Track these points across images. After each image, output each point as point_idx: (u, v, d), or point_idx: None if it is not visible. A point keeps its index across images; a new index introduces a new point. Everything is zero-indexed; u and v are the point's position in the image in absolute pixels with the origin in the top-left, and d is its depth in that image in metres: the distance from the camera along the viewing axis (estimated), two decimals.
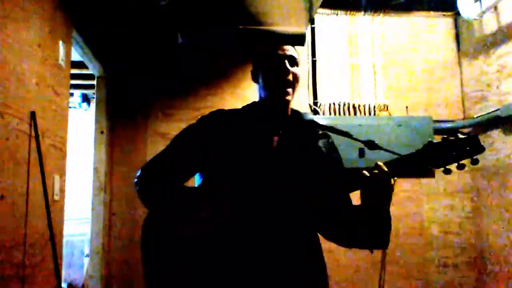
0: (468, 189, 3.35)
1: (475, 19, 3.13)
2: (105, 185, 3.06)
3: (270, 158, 1.23)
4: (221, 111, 1.35)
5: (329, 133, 1.34)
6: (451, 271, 3.26)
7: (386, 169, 1.10)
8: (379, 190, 1.12)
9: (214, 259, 1.13)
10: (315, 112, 3.32)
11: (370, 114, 3.38)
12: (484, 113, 3.15)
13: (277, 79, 1.26)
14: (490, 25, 3.15)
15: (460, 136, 1.10)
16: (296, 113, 1.35)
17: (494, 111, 3.02)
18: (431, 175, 3.34)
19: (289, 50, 1.28)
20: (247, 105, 1.37)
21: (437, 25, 3.57)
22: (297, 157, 1.25)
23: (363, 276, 3.18)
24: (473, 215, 3.32)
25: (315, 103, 3.34)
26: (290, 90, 1.26)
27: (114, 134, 3.19)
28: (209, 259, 1.14)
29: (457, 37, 3.55)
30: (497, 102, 3.04)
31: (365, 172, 1.11)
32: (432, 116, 3.31)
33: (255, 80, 1.34)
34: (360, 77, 3.46)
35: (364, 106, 3.39)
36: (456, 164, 1.10)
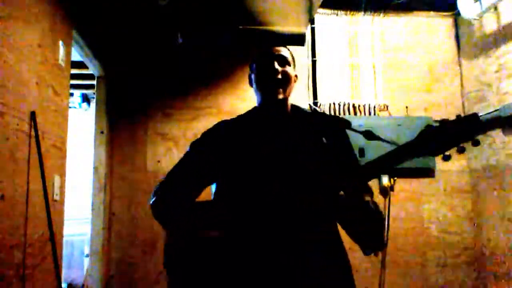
0: (468, 189, 3.35)
1: (475, 19, 3.14)
2: (105, 185, 3.05)
3: (277, 159, 1.23)
4: (223, 122, 1.37)
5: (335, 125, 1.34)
6: (451, 271, 3.26)
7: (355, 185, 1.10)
8: (355, 202, 1.13)
9: (237, 267, 1.14)
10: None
11: (370, 114, 3.38)
12: (484, 113, 3.15)
13: (265, 79, 1.28)
14: (490, 25, 3.15)
15: (459, 115, 1.04)
16: (295, 109, 1.36)
17: (494, 111, 3.02)
18: (431, 175, 3.34)
19: (281, 50, 1.30)
20: (248, 111, 1.38)
21: (437, 25, 3.57)
22: (302, 154, 1.25)
23: (363, 276, 3.18)
24: (473, 215, 3.32)
25: (315, 103, 3.34)
26: (280, 89, 1.27)
27: (114, 134, 3.19)
28: (232, 268, 1.14)
29: (457, 37, 3.55)
30: (497, 102, 3.04)
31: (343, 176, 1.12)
32: (432, 116, 3.31)
33: (251, 84, 1.37)
34: (360, 77, 3.46)
35: (364, 106, 3.39)
36: (456, 148, 1.04)
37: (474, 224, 3.31)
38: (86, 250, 4.17)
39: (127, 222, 3.10)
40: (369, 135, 1.24)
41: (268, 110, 1.32)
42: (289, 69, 1.29)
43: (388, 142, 1.15)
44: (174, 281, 1.22)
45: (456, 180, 3.35)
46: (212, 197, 1.31)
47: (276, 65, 1.27)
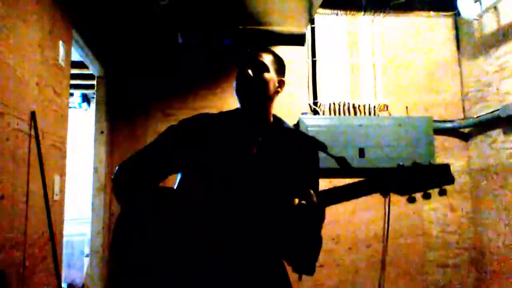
0: (468, 189, 3.35)
1: (475, 19, 3.14)
2: (105, 185, 3.06)
3: (245, 165, 1.23)
4: (204, 115, 1.35)
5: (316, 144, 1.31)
6: (451, 271, 3.26)
7: (315, 199, 1.05)
8: (306, 218, 1.07)
9: (175, 255, 1.13)
10: (315, 112, 3.32)
11: (370, 114, 3.38)
12: (484, 113, 3.15)
13: (238, 86, 1.27)
14: (490, 25, 3.15)
15: (432, 163, 1.04)
16: (276, 121, 1.34)
17: (494, 111, 3.02)
18: None
19: (261, 56, 1.26)
20: (231, 110, 1.37)
21: (437, 25, 3.57)
22: (270, 166, 1.23)
23: (363, 277, 3.18)
24: (473, 215, 3.32)
25: (315, 103, 3.34)
26: (253, 97, 1.25)
27: (114, 134, 3.19)
28: (171, 256, 1.13)
29: (457, 37, 3.55)
30: (497, 102, 3.04)
31: (296, 200, 1.07)
32: (432, 116, 3.31)
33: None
34: (360, 77, 3.46)
35: (364, 106, 3.39)
36: (422, 193, 1.04)
37: (474, 224, 3.31)
38: (86, 250, 4.17)
39: None
40: (342, 162, 1.22)
41: (247, 116, 1.30)
42: (266, 75, 1.25)
43: (357, 172, 1.12)
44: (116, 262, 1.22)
45: (456, 180, 3.35)
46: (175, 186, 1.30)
47: (250, 72, 1.24)
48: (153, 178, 1.29)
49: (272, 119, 1.32)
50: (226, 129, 1.30)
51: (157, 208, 1.19)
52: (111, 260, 1.24)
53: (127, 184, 1.27)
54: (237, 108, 1.35)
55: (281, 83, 1.31)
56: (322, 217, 1.14)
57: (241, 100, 1.28)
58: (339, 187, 1.08)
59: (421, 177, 1.03)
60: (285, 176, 1.23)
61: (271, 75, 1.26)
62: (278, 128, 1.32)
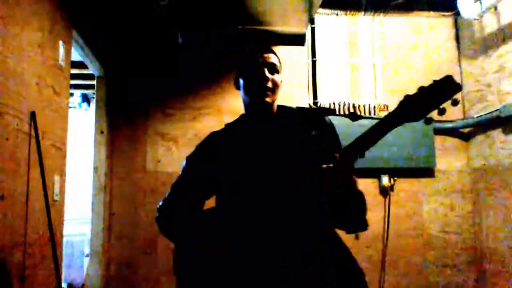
0: (468, 189, 3.35)
1: (475, 19, 3.13)
2: (105, 185, 3.06)
3: (268, 158, 1.26)
4: (214, 133, 1.41)
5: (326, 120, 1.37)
6: (451, 271, 3.26)
7: (338, 157, 1.10)
8: (338, 179, 1.12)
9: (239, 268, 1.18)
10: None
11: (370, 114, 3.38)
12: (484, 113, 3.15)
13: (256, 86, 1.30)
14: (490, 25, 3.15)
15: (436, 80, 1.09)
16: (280, 109, 1.39)
17: (494, 111, 3.02)
18: (431, 175, 3.34)
19: (271, 57, 1.32)
20: (236, 119, 1.42)
21: (437, 25, 3.57)
22: (292, 149, 1.28)
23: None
24: (473, 215, 3.32)
25: (315, 103, 3.34)
26: (269, 97, 1.30)
27: (114, 134, 3.19)
28: (235, 269, 1.19)
29: (457, 37, 3.55)
30: (497, 102, 3.04)
31: (323, 166, 1.13)
32: (432, 116, 3.30)
33: (237, 86, 1.40)
34: (360, 77, 3.46)
35: (364, 106, 3.39)
36: (436, 110, 1.11)
37: (474, 224, 3.31)
38: (86, 250, 4.17)
39: (127, 222, 3.10)
40: (353, 116, 1.28)
41: (255, 116, 1.35)
42: (277, 76, 1.32)
43: (372, 118, 1.17)
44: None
45: (456, 180, 3.35)
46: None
47: (267, 73, 1.29)
48: (194, 208, 1.35)
49: (276, 109, 1.38)
50: (239, 137, 1.34)
51: (214, 232, 1.24)
52: None
53: (173, 222, 1.33)
54: (241, 115, 1.41)
55: (281, 82, 1.38)
56: (352, 171, 1.16)
57: (254, 98, 1.32)
58: (360, 136, 1.13)
59: (431, 95, 1.10)
60: (310, 146, 1.28)
61: (281, 76, 1.34)
62: (285, 114, 1.37)
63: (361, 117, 1.27)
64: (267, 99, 1.29)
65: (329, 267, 1.19)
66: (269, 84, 1.29)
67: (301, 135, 1.31)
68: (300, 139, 1.30)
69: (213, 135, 1.40)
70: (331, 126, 1.37)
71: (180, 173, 1.39)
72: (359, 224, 1.22)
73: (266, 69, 1.29)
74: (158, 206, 1.36)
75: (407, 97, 1.10)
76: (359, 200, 1.20)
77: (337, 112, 3.36)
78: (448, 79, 1.08)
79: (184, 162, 1.40)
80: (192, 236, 1.26)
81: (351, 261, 1.27)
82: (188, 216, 1.32)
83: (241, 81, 1.34)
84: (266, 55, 1.31)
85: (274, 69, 1.31)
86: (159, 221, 1.34)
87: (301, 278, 1.15)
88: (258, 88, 1.29)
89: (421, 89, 1.09)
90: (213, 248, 1.21)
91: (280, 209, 1.17)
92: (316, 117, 1.35)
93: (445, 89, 1.09)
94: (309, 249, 1.19)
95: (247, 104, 1.36)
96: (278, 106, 1.39)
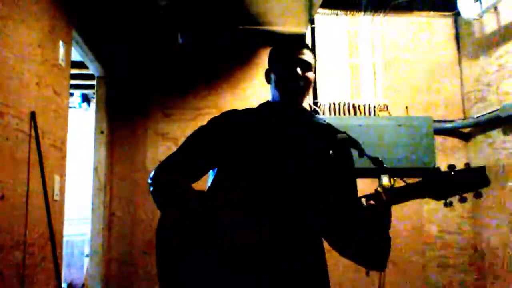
0: None
1: (475, 19, 3.13)
2: (105, 185, 3.05)
3: (281, 155, 1.23)
4: (233, 111, 1.38)
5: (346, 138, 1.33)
6: (451, 271, 3.26)
7: (384, 197, 1.10)
8: (375, 217, 1.12)
9: (224, 257, 1.14)
10: (315, 112, 3.32)
11: (370, 114, 3.38)
12: (484, 113, 3.15)
13: (288, 85, 1.27)
14: (490, 25, 3.15)
15: (469, 166, 1.06)
16: (303, 110, 1.36)
17: (494, 111, 3.02)
18: None
19: (305, 54, 1.28)
20: (261, 104, 1.38)
21: (437, 25, 3.57)
22: (307, 156, 1.25)
23: (364, 277, 3.17)
24: (473, 215, 3.32)
25: (315, 103, 3.34)
26: (301, 96, 1.29)
27: (114, 134, 3.19)
28: (220, 258, 1.14)
29: (457, 37, 3.55)
30: (497, 102, 3.04)
31: (363, 200, 1.12)
32: (432, 116, 3.31)
33: (268, 80, 1.36)
34: (360, 77, 3.46)
35: (364, 106, 3.39)
36: (458, 196, 1.07)
37: (474, 224, 3.31)
38: (86, 250, 4.17)
39: (127, 222, 3.10)
40: (376, 162, 1.23)
41: (282, 107, 1.31)
42: (310, 74, 1.29)
43: (389, 169, 1.16)
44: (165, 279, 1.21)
45: None
46: (208, 183, 1.30)
47: (299, 71, 1.25)
48: (191, 178, 1.30)
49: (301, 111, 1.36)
50: (259, 123, 1.31)
51: (205, 210, 1.19)
52: (160, 265, 1.22)
53: (166, 187, 1.28)
54: (267, 101, 1.37)
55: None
56: (389, 215, 1.16)
57: (284, 95, 1.29)
58: (403, 186, 1.14)
59: (460, 180, 1.05)
60: (325, 163, 1.26)
61: (313, 74, 1.31)
62: (308, 116, 1.36)
63: (367, 155, 1.24)
64: (299, 101, 1.29)
65: (304, 277, 1.19)
66: (301, 83, 1.26)
67: (319, 147, 1.28)
68: (317, 150, 1.27)
69: (233, 113, 1.36)
70: (351, 157, 1.33)
71: (186, 140, 1.34)
72: (380, 265, 1.20)
73: (299, 67, 1.26)
74: (157, 166, 1.31)
75: (436, 170, 1.08)
76: (388, 243, 1.19)
77: (337, 112, 3.36)
78: (481, 170, 1.04)
79: (194, 131, 1.35)
80: (183, 212, 1.21)
81: (326, 276, 1.27)
82: (183, 187, 1.26)
83: (273, 77, 1.31)
84: (301, 51, 1.28)
85: (308, 66, 1.28)
86: (154, 181, 1.29)
87: (288, 279, 1.14)
88: (291, 87, 1.27)
89: (452, 169, 1.06)
90: (206, 231, 1.16)
91: (276, 209, 1.15)
92: (341, 142, 1.31)
93: (475, 179, 1.05)
94: (291, 256, 1.16)
95: (276, 100, 1.32)
96: (303, 108, 1.36)
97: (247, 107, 1.40)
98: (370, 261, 1.21)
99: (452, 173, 1.05)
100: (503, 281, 2.98)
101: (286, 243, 1.16)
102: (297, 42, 1.35)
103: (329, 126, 1.35)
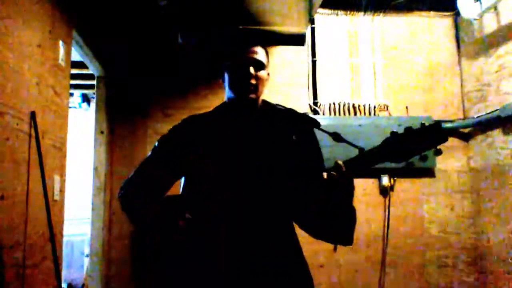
0: (468, 189, 3.35)
1: (475, 19, 3.13)
2: (105, 185, 3.06)
3: (244, 152, 1.27)
4: (192, 117, 1.41)
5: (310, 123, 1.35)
6: (451, 271, 3.26)
7: (344, 169, 1.10)
8: (339, 189, 1.13)
9: (199, 253, 1.17)
10: (315, 112, 3.32)
11: (370, 114, 3.38)
12: (484, 113, 3.15)
13: (239, 83, 1.30)
14: (490, 25, 3.15)
15: (424, 124, 1.06)
16: (265, 104, 1.39)
17: (494, 111, 3.02)
18: (431, 175, 3.34)
19: (257, 53, 1.32)
20: (217, 106, 1.43)
21: (437, 25, 3.57)
22: (270, 148, 1.28)
23: (363, 277, 3.18)
24: (473, 215, 3.32)
25: (315, 103, 3.34)
26: (253, 93, 1.31)
27: (114, 134, 3.19)
28: (195, 255, 1.17)
29: (457, 37, 3.55)
30: (497, 102, 3.04)
31: (324, 174, 1.13)
32: (432, 116, 3.31)
33: (222, 79, 1.40)
34: (360, 77, 3.46)
35: (364, 106, 3.39)
36: (418, 156, 1.08)
37: (474, 224, 3.31)
38: (86, 250, 4.17)
39: (127, 222, 3.08)
40: (337, 137, 1.25)
41: (237, 109, 1.35)
42: (262, 73, 1.32)
43: (354, 146, 1.16)
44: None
45: (456, 180, 3.35)
46: (180, 191, 1.33)
47: (252, 70, 1.28)
48: (158, 189, 1.32)
49: (260, 103, 1.38)
50: (218, 125, 1.34)
51: (173, 215, 1.20)
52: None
53: (134, 201, 1.30)
54: (223, 103, 1.41)
55: (268, 76, 1.38)
56: (352, 186, 1.17)
57: (238, 94, 1.32)
58: (360, 154, 1.12)
59: (417, 139, 1.05)
60: (289, 149, 1.29)
61: (267, 72, 1.35)
62: (269, 110, 1.38)
63: (344, 140, 1.24)
64: (251, 96, 1.30)
65: (283, 270, 1.20)
66: (253, 81, 1.29)
67: (281, 136, 1.31)
68: (279, 139, 1.30)
69: (192, 119, 1.40)
70: (314, 137, 1.36)
71: (150, 153, 1.37)
72: (346, 238, 1.22)
73: (251, 66, 1.29)
74: (122, 184, 1.34)
75: (393, 133, 1.08)
76: (352, 215, 1.21)
77: (337, 112, 3.36)
78: (437, 126, 1.04)
79: (156, 143, 1.37)
80: (151, 221, 1.23)
81: (304, 266, 1.28)
82: (151, 199, 1.29)
83: (226, 76, 1.35)
84: (252, 50, 1.31)
85: (260, 65, 1.31)
86: (122, 200, 1.31)
87: (260, 277, 1.16)
88: (243, 86, 1.30)
89: (408, 130, 1.06)
90: (171, 243, 1.19)
91: (247, 205, 1.17)
92: (301, 123, 1.34)
93: (432, 136, 1.04)
94: (267, 249, 1.19)
95: (230, 98, 1.36)
96: (264, 101, 1.39)
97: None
98: (337, 236, 1.23)
99: (409, 133, 1.05)
100: (503, 281, 2.98)
101: (259, 238, 1.18)
102: (249, 40, 1.38)
103: (290, 111, 1.38)
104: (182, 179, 1.34)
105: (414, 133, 1.05)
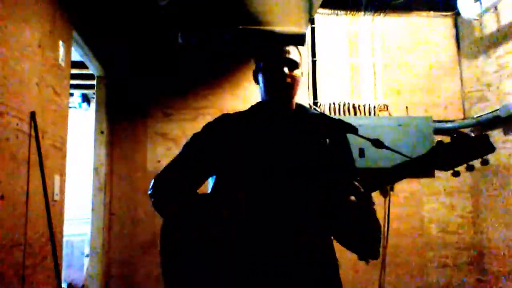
0: (468, 189, 3.35)
1: (475, 19, 3.13)
2: (105, 185, 3.05)
3: (277, 153, 1.26)
4: (226, 115, 1.38)
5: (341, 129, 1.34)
6: (451, 271, 3.26)
7: (362, 190, 1.12)
8: (358, 208, 1.13)
9: (229, 258, 1.16)
10: None
11: (370, 114, 3.38)
12: (484, 113, 3.15)
13: (275, 83, 1.29)
14: (490, 25, 3.15)
15: (470, 134, 1.07)
16: (300, 107, 1.38)
17: (494, 111, 3.02)
18: (431, 175, 3.33)
19: (291, 53, 1.31)
20: (252, 106, 1.40)
21: (437, 25, 3.57)
22: (303, 150, 1.27)
23: (364, 277, 3.18)
24: (473, 215, 3.32)
25: (315, 103, 3.34)
26: (288, 93, 1.30)
27: (114, 134, 3.19)
28: (225, 259, 1.17)
29: (457, 37, 3.55)
30: (497, 102, 3.04)
31: (351, 197, 1.13)
32: (432, 116, 3.30)
33: (256, 80, 1.38)
34: (360, 77, 3.46)
35: (364, 106, 3.39)
36: (465, 165, 1.08)
37: (474, 224, 3.31)
38: (86, 250, 4.17)
39: (127, 222, 3.10)
40: (378, 143, 1.23)
41: (272, 107, 1.34)
42: (297, 72, 1.31)
43: (396, 152, 1.15)
44: (169, 278, 1.25)
45: (456, 180, 3.35)
46: (209, 190, 1.32)
47: (286, 70, 1.28)
48: (190, 186, 1.32)
49: (294, 106, 1.38)
50: (253, 125, 1.33)
51: (205, 215, 1.21)
52: (166, 273, 1.26)
53: (167, 197, 1.30)
54: (258, 103, 1.39)
55: (301, 75, 1.37)
56: (370, 202, 1.18)
57: (273, 95, 1.32)
58: (385, 170, 1.13)
59: (464, 149, 1.06)
60: (321, 153, 1.28)
61: (299, 71, 1.33)
62: (304, 114, 1.37)
63: (386, 147, 1.24)
64: (286, 95, 1.30)
65: (313, 273, 1.20)
66: (288, 80, 1.28)
67: (314, 139, 1.30)
68: (312, 142, 1.29)
69: (226, 118, 1.37)
70: (347, 143, 1.35)
71: (183, 148, 1.35)
72: (373, 254, 1.23)
73: (285, 66, 1.28)
74: (154, 178, 1.32)
75: (439, 143, 1.08)
76: (377, 232, 1.22)
77: (337, 112, 3.36)
78: (485, 138, 1.05)
79: (189, 139, 1.36)
80: (186, 218, 1.23)
81: (335, 272, 1.28)
82: (184, 195, 1.28)
83: (260, 77, 1.34)
84: (286, 50, 1.31)
85: (294, 65, 1.30)
86: (154, 194, 1.30)
87: (289, 277, 1.15)
88: (278, 86, 1.29)
89: (456, 139, 1.07)
90: (206, 236, 1.19)
91: (278, 207, 1.16)
92: (335, 128, 1.33)
93: (479, 147, 1.06)
94: (298, 252, 1.18)
95: (265, 99, 1.34)
96: (298, 104, 1.38)
97: (247, 106, 1.41)
98: (363, 251, 1.23)
99: (456, 142, 1.06)
100: (503, 281, 2.98)
101: (285, 241, 1.17)
102: (281, 43, 1.38)
103: (322, 116, 1.38)
104: (211, 179, 1.33)
105: (461, 142, 1.06)
